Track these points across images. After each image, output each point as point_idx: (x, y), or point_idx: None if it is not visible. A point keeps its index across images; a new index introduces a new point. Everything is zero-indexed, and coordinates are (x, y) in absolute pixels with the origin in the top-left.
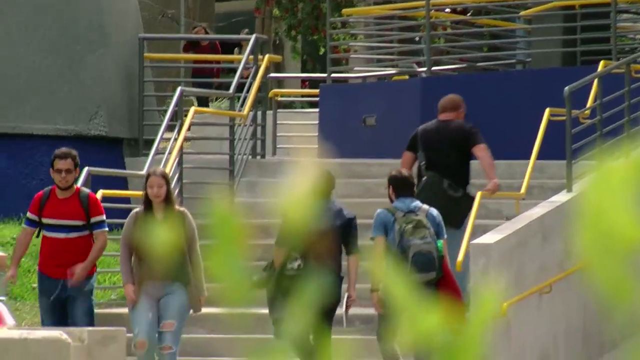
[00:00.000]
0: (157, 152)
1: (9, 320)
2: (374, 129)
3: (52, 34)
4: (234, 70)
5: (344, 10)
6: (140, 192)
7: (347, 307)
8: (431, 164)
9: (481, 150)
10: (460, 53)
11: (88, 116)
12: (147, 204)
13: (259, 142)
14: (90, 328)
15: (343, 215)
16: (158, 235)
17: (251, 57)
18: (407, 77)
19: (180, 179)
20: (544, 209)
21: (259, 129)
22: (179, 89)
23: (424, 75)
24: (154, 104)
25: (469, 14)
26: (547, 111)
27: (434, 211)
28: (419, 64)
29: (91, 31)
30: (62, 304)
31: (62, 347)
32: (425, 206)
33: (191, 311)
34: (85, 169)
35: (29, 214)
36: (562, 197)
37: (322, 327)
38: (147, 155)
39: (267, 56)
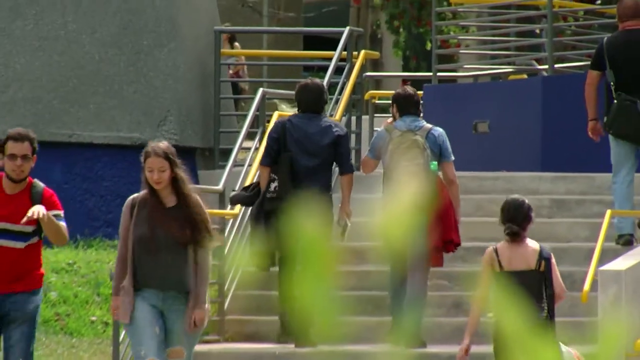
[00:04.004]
0: (236, 164)
1: None
2: (487, 137)
3: (115, 25)
4: (324, 69)
5: None
6: (217, 211)
7: (342, 227)
8: (621, 82)
9: None
10: (588, 48)
11: (156, 122)
12: (151, 188)
13: (353, 152)
14: None
15: (332, 131)
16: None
17: (344, 53)
18: (525, 75)
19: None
20: None
21: (353, 136)
22: (260, 91)
23: (545, 73)
24: (232, 108)
25: (597, 2)
26: None
27: (438, 130)
28: (540, 61)
29: (160, 23)
30: None
31: None
32: (429, 125)
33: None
34: None
35: None
36: None
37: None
38: (223, 167)
39: (362, 52)
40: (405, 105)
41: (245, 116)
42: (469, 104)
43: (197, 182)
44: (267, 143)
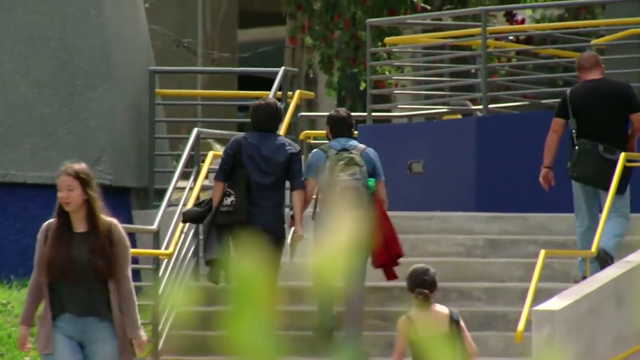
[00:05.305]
0: (170, 204)
1: None
2: (421, 177)
3: (49, 65)
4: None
5: (387, 39)
6: (151, 251)
7: (293, 243)
8: (584, 130)
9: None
10: (522, 89)
11: (90, 162)
12: (61, 212)
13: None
14: None
15: (285, 149)
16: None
17: (279, 93)
18: (459, 116)
19: (197, 234)
20: (619, 270)
21: None
22: (195, 130)
23: (479, 114)
24: (167, 148)
25: (532, 44)
26: (622, 156)
27: (371, 151)
28: (474, 101)
29: (94, 63)
30: None
31: None
32: (362, 145)
33: None
34: None
35: None
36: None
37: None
38: (158, 207)
39: (297, 92)
40: (338, 128)
41: (179, 156)
42: (404, 144)
43: (131, 222)
44: (223, 159)
